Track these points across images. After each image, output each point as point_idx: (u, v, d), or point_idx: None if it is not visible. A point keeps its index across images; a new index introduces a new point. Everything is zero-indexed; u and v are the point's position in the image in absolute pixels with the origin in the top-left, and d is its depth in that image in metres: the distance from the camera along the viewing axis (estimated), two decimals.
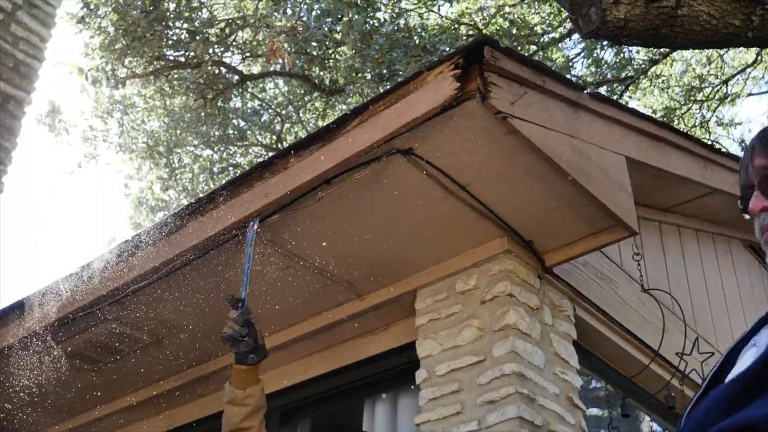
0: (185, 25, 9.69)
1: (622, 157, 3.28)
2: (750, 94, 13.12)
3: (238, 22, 10.14)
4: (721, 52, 11.65)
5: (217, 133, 11.61)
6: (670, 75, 12.63)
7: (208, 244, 3.06)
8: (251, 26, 10.08)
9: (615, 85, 11.29)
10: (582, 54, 11.07)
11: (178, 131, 11.49)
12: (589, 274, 3.65)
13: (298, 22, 9.10)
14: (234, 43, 10.48)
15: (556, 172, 2.82)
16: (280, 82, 12.25)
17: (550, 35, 10.48)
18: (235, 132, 11.81)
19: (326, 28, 8.64)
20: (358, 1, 8.51)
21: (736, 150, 13.29)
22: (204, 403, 4.34)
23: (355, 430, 3.84)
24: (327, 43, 9.48)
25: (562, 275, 3.45)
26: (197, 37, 9.45)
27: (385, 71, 8.32)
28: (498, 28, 9.98)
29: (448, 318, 3.29)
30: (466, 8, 10.88)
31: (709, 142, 10.81)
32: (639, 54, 11.32)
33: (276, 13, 9.42)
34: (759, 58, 11.71)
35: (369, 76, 8.72)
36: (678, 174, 3.82)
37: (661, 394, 3.82)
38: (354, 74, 8.69)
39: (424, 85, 2.55)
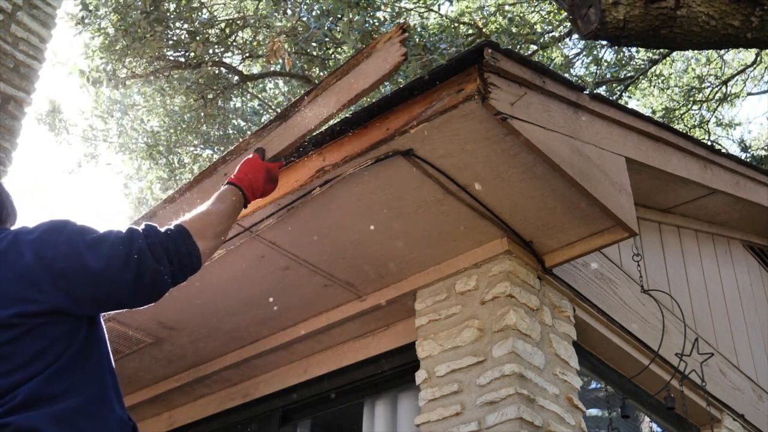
0: (185, 26, 9.69)
1: (621, 157, 3.28)
2: (749, 94, 13.14)
3: (238, 22, 10.15)
4: (721, 52, 11.66)
5: (217, 133, 11.62)
6: (670, 75, 12.63)
7: None
8: (251, 27, 10.09)
9: (614, 85, 11.30)
10: (582, 53, 11.08)
11: (178, 131, 11.49)
12: (589, 275, 3.65)
13: (298, 22, 9.10)
14: (234, 44, 10.48)
15: (555, 172, 2.83)
16: (280, 82, 12.25)
17: (550, 34, 10.48)
18: (235, 132, 11.81)
19: (326, 28, 8.63)
20: (360, 2, 8.51)
21: (735, 150, 13.31)
22: (204, 403, 4.35)
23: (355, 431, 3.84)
24: (327, 43, 9.48)
25: (562, 276, 3.45)
26: (197, 38, 9.45)
27: None
28: (498, 26, 9.99)
29: (448, 319, 3.29)
30: (466, 7, 10.88)
31: (709, 143, 10.82)
32: (639, 54, 11.33)
33: (276, 14, 9.42)
34: (758, 58, 11.72)
35: None
36: (678, 175, 3.82)
37: (660, 395, 3.82)
38: None
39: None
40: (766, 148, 13.58)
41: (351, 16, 8.28)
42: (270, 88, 12.54)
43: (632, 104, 12.69)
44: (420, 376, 3.26)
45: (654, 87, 12.61)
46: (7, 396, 1.49)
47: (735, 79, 12.41)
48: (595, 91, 3.33)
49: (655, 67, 11.82)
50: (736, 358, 4.77)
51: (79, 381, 1.56)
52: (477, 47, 2.54)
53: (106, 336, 1.75)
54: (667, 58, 11.77)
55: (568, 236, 3.23)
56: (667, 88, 12.68)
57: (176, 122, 11.40)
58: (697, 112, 12.70)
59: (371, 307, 3.55)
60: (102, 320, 1.75)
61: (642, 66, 11.39)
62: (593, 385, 4.00)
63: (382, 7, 9.45)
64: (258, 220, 3.06)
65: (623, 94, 11.49)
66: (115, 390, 1.66)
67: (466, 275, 3.31)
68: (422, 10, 10.54)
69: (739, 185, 4.41)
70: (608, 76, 11.12)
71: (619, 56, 11.01)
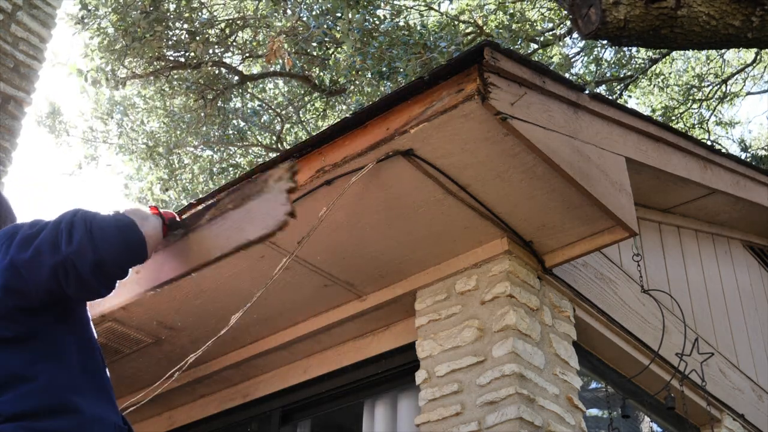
0: (185, 26, 9.69)
1: (621, 157, 3.28)
2: (749, 93, 13.14)
3: (238, 22, 10.15)
4: (721, 51, 11.66)
5: (217, 133, 11.62)
6: (670, 74, 12.63)
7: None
8: (251, 27, 10.09)
9: (614, 84, 11.29)
10: (582, 52, 11.08)
11: (178, 132, 11.49)
12: (589, 275, 3.65)
13: (298, 22, 9.10)
14: (234, 44, 10.48)
15: (555, 172, 2.83)
16: (280, 82, 12.26)
17: (551, 32, 10.48)
18: (235, 132, 11.81)
19: (326, 27, 8.63)
20: (359, 0, 8.51)
21: (735, 150, 13.30)
22: (204, 403, 4.35)
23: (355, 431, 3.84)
24: (327, 42, 9.48)
25: (562, 276, 3.45)
26: (197, 38, 9.45)
27: (385, 69, 8.32)
28: (498, 24, 9.99)
29: (448, 318, 3.29)
30: (466, 5, 10.88)
31: (709, 142, 10.81)
32: (639, 53, 11.33)
33: (276, 14, 9.42)
34: (758, 57, 11.71)
35: (369, 75, 8.73)
36: (678, 174, 3.82)
37: (661, 395, 3.82)
38: (354, 73, 8.69)
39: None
40: (766, 147, 13.58)
41: (351, 15, 8.27)
42: (270, 88, 12.55)
43: (632, 103, 12.69)
44: (420, 376, 3.26)
45: (654, 86, 12.61)
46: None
47: (735, 78, 12.41)
48: (595, 91, 3.33)
49: (655, 66, 11.82)
50: (736, 358, 4.77)
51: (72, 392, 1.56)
52: (477, 47, 2.54)
53: (96, 340, 1.74)
54: (667, 57, 11.77)
55: (568, 236, 3.23)
56: (667, 87, 12.68)
57: (176, 122, 11.40)
58: (696, 111, 12.70)
59: (371, 307, 3.54)
60: (86, 329, 1.73)
61: (642, 65, 11.40)
62: (593, 385, 4.00)
63: (382, 6, 9.45)
64: None
65: (623, 93, 11.49)
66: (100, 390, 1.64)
67: (466, 275, 3.30)
68: (422, 8, 10.54)
69: (739, 185, 4.41)
70: (608, 75, 11.12)
71: (619, 56, 11.01)
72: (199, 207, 2.15)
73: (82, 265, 1.57)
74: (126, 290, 2.21)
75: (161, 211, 1.95)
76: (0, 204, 1.85)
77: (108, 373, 1.70)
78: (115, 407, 1.65)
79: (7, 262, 1.57)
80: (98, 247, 1.58)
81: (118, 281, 1.67)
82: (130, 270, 1.71)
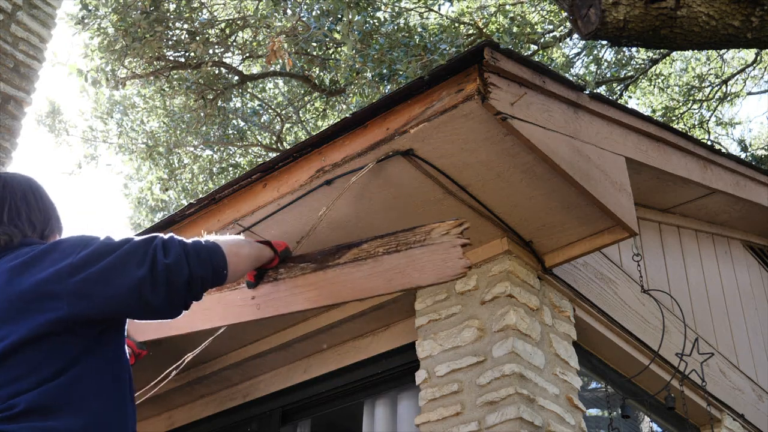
0: (185, 26, 9.69)
1: (621, 157, 3.28)
2: (749, 94, 13.13)
3: (239, 22, 10.15)
4: (721, 51, 11.66)
5: (217, 133, 11.62)
6: (670, 74, 12.63)
7: None
8: (251, 27, 10.09)
9: (615, 84, 11.30)
10: (582, 53, 11.08)
11: (178, 132, 11.49)
12: (589, 275, 3.65)
13: (298, 22, 9.10)
14: (234, 44, 10.48)
15: (555, 172, 2.83)
16: (280, 82, 12.26)
17: (551, 34, 10.48)
18: (235, 132, 11.81)
19: (326, 28, 8.63)
20: (360, 1, 8.51)
21: (735, 150, 13.31)
22: (204, 403, 4.35)
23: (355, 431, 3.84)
24: (327, 43, 9.48)
25: (562, 276, 3.45)
26: (197, 38, 9.45)
27: (385, 71, 8.32)
28: (498, 26, 9.99)
29: (448, 318, 3.29)
30: (467, 7, 10.88)
31: (709, 142, 10.81)
32: (639, 53, 11.33)
33: (276, 14, 9.42)
34: (758, 57, 11.71)
35: (369, 76, 8.73)
36: (678, 174, 3.82)
37: (660, 395, 3.82)
38: (354, 74, 8.70)
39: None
40: (766, 147, 13.58)
41: (351, 16, 8.27)
42: (270, 88, 12.55)
43: (632, 103, 12.69)
44: (420, 376, 3.26)
45: (654, 86, 12.61)
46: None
47: (735, 78, 12.41)
48: (595, 91, 3.33)
49: (655, 67, 11.82)
50: (736, 358, 4.77)
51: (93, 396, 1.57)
52: (477, 47, 2.54)
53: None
54: (667, 58, 11.78)
55: (568, 236, 3.23)
56: (667, 88, 12.68)
57: (176, 122, 11.40)
58: (697, 111, 12.70)
59: (371, 307, 3.54)
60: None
61: (642, 65, 11.40)
62: (593, 385, 4.00)
63: (382, 8, 9.45)
64: (258, 219, 3.06)
65: (623, 93, 11.49)
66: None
67: (466, 275, 3.30)
68: (422, 10, 10.54)
69: (739, 185, 4.41)
70: (608, 75, 11.13)
71: (619, 56, 11.01)
72: (332, 246, 2.22)
73: (177, 277, 1.63)
74: (238, 315, 2.24)
75: (272, 242, 2.01)
76: (48, 205, 1.86)
77: (133, 388, 1.71)
78: (133, 421, 1.66)
79: (88, 269, 1.58)
80: (192, 264, 1.67)
81: (194, 302, 1.73)
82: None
